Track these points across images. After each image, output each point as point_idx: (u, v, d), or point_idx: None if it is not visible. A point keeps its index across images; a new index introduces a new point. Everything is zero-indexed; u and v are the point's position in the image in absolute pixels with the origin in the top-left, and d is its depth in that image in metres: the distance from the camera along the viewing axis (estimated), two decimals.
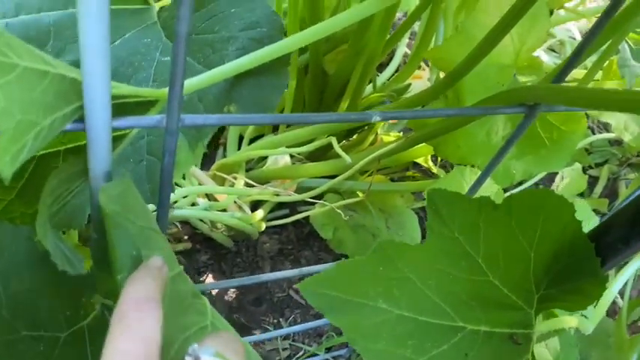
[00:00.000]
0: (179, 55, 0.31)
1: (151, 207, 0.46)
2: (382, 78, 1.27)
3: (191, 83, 0.41)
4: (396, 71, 1.32)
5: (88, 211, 0.44)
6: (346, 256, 0.99)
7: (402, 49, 1.38)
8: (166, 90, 0.38)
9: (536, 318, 0.44)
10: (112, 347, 0.25)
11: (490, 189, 0.77)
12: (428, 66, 1.29)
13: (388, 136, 1.03)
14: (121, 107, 0.35)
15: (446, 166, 1.20)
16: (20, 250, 0.37)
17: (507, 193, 0.50)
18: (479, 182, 0.57)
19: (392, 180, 1.18)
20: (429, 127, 0.70)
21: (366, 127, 1.08)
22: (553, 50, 1.72)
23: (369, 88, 1.06)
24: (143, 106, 0.38)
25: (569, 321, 0.52)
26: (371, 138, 1.02)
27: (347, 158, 0.74)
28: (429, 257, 0.42)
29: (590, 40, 0.45)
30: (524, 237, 0.41)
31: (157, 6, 0.55)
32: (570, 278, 0.42)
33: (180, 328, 0.38)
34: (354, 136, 1.12)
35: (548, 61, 1.57)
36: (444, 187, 0.43)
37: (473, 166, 0.75)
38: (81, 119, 0.32)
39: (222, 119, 0.38)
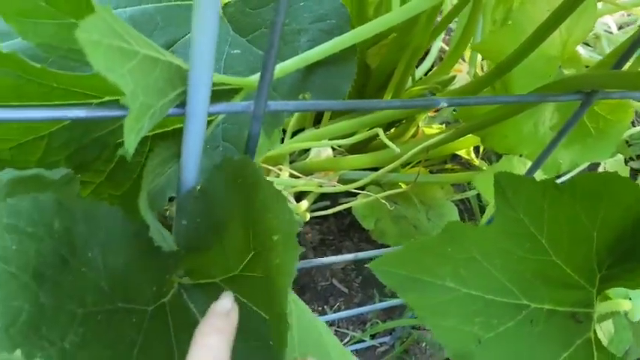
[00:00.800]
0: (274, 43, 0.33)
1: None
2: (419, 72, 1.28)
3: None
4: (432, 66, 1.33)
5: (169, 194, 0.47)
6: (387, 247, 1.01)
7: (438, 44, 1.39)
8: (251, 78, 0.41)
9: (597, 297, 0.45)
10: None
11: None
12: (465, 60, 1.30)
13: (430, 128, 1.05)
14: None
15: (484, 159, 1.21)
16: (115, 227, 0.40)
17: None
18: (531, 171, 0.58)
19: (431, 172, 1.19)
20: (477, 118, 0.71)
21: (404, 121, 1.09)
22: (587, 44, 1.71)
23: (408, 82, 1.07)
24: (227, 94, 0.41)
25: (624, 304, 0.53)
26: (412, 130, 1.03)
27: (395, 148, 0.76)
28: (495, 238, 0.43)
29: None
30: (588, 218, 0.43)
31: (221, 2, 0.58)
32: (634, 258, 0.43)
33: None
34: (392, 130, 1.13)
35: (585, 54, 1.56)
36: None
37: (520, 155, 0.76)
38: (181, 105, 0.34)
39: (299, 106, 0.41)
